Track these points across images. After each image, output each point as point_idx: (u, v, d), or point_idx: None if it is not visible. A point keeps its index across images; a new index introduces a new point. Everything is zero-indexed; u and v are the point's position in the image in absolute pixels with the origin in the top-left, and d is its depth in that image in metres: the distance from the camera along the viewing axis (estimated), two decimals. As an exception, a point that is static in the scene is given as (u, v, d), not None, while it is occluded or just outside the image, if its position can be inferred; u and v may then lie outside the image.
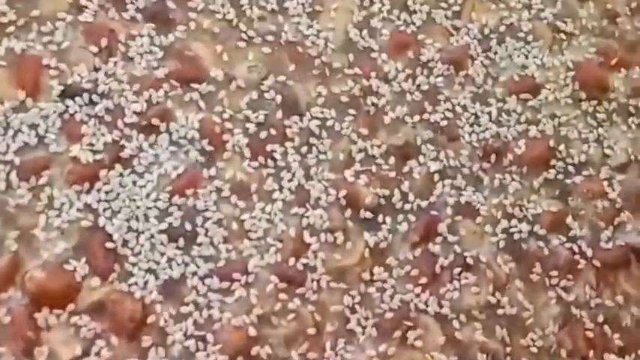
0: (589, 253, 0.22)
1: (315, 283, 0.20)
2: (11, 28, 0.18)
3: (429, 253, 0.20)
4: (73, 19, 0.19)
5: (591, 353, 0.21)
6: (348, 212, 0.20)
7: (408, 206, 0.20)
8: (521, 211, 0.21)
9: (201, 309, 0.20)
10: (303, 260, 0.20)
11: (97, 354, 0.19)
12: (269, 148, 0.20)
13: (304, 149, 0.20)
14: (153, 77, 0.19)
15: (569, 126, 0.23)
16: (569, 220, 0.22)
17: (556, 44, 0.23)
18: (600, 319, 0.21)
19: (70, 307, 0.19)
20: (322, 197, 0.20)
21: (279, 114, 0.20)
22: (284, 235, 0.20)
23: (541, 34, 0.23)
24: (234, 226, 0.20)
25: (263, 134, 0.19)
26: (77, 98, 0.18)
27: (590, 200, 0.22)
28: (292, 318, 0.20)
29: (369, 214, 0.20)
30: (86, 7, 0.19)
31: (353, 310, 0.20)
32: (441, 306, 0.20)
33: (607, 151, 0.23)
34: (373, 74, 0.21)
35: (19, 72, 0.18)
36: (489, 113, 0.21)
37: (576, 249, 0.22)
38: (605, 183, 0.23)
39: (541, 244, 0.22)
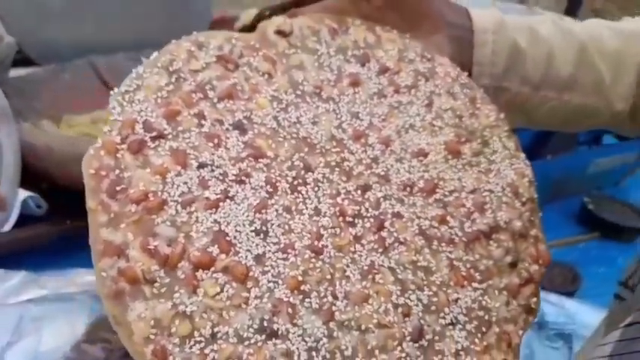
0: (460, 234, 0.36)
1: None
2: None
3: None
4: None
5: (465, 283, 0.35)
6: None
7: None
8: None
9: None
10: None
11: None
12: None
13: None
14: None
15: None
16: (449, 218, 0.36)
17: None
18: (468, 266, 0.35)
19: None
20: None
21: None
22: None
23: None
24: None
25: None
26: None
27: (459, 207, 0.39)
28: None
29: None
30: None
31: None
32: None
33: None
34: None
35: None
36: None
37: (453, 232, 0.35)
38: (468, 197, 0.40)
39: (436, 231, 0.35)
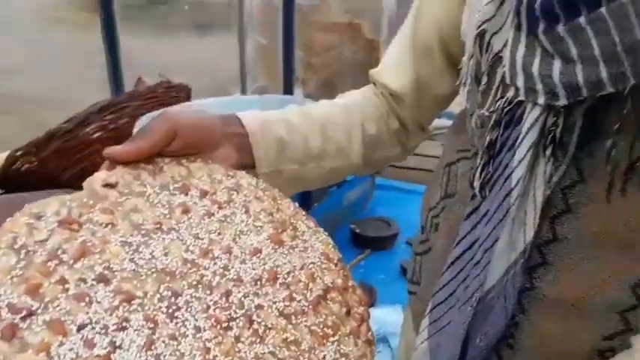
0: (306, 303, 0.47)
1: None
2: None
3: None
4: None
5: (324, 341, 0.47)
6: None
7: None
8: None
9: None
10: None
11: None
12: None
13: None
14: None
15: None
16: (294, 294, 0.48)
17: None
18: (321, 326, 0.46)
19: None
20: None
21: None
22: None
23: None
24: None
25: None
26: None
27: (298, 283, 0.48)
28: None
29: None
30: None
31: None
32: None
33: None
34: None
35: None
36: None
37: (301, 304, 0.47)
38: (301, 273, 0.50)
39: (290, 308, 0.46)
